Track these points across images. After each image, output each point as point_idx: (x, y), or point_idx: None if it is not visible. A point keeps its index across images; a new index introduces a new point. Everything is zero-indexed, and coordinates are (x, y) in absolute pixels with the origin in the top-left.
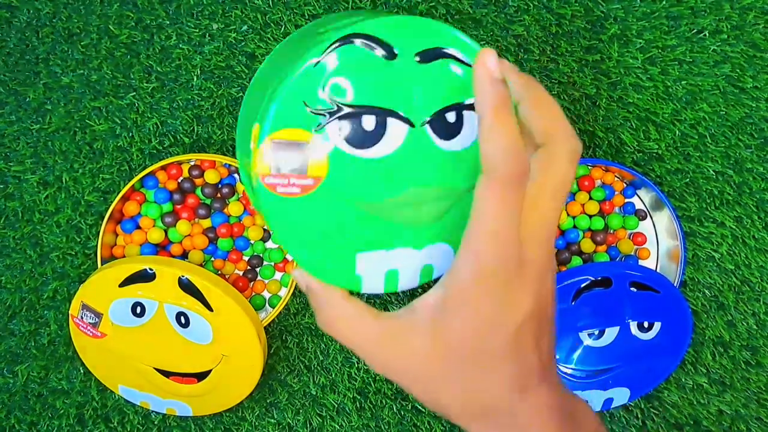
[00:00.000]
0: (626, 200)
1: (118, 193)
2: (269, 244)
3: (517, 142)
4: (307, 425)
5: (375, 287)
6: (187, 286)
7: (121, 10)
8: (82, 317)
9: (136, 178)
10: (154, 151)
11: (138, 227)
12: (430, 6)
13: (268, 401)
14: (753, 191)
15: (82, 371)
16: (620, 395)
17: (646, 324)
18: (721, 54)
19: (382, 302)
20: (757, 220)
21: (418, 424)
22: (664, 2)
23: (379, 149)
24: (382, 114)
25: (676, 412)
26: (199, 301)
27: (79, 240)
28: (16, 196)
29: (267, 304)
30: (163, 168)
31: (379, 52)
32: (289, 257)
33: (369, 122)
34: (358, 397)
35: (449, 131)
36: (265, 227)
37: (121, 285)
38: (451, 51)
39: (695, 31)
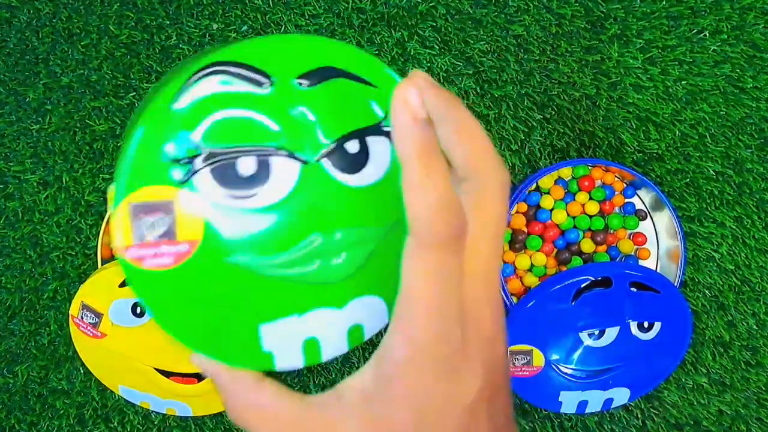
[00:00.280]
0: (626, 200)
1: None
2: None
3: (450, 196)
4: None
5: (291, 362)
6: None
7: (121, 10)
8: (82, 317)
9: None
10: None
11: None
12: (430, 6)
13: None
14: (753, 191)
15: (82, 371)
16: (620, 395)
17: (646, 324)
18: (721, 54)
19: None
20: (757, 220)
21: None
22: (664, 2)
23: (265, 196)
24: (263, 152)
25: (676, 412)
26: None
27: (79, 240)
28: (16, 196)
29: None
30: None
31: (250, 79)
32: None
33: (246, 165)
34: None
35: (352, 164)
36: None
37: (121, 285)
38: (343, 69)
39: (695, 31)
